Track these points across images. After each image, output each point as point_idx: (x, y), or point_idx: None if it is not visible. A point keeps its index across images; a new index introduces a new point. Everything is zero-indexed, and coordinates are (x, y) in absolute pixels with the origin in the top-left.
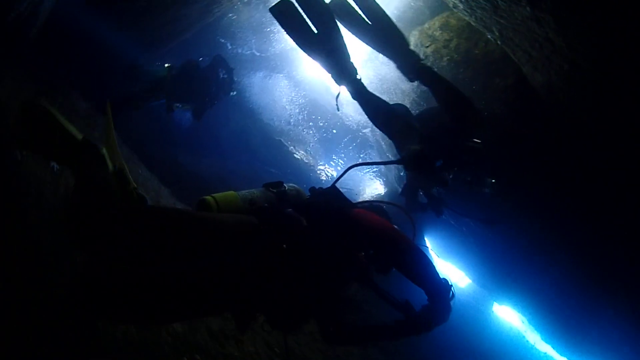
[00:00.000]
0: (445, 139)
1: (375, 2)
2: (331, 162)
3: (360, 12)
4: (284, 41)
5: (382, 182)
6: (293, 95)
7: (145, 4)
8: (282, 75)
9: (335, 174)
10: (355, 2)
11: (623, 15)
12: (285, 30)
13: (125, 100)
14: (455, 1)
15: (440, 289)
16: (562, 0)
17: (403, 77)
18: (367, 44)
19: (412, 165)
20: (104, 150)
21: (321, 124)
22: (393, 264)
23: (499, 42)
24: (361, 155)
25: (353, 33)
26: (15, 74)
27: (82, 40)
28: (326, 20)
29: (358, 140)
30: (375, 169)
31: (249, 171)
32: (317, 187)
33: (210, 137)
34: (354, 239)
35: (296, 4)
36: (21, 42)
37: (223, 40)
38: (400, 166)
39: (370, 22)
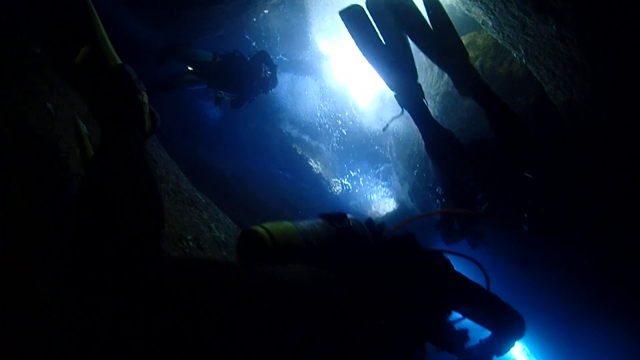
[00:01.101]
0: (495, 172)
1: (441, 6)
2: (345, 175)
3: (423, 15)
4: (311, 49)
5: (394, 199)
6: (314, 103)
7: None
8: (305, 82)
9: (349, 186)
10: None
11: None
12: (352, 36)
13: (161, 84)
14: (485, 18)
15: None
16: (587, 20)
17: None
18: (424, 51)
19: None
20: None
21: (338, 136)
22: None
23: (523, 60)
24: (374, 171)
25: (411, 36)
26: None
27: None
28: (396, 33)
29: (373, 154)
30: (385, 184)
31: (265, 173)
32: (374, 220)
33: (229, 134)
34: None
35: (367, 12)
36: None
37: (252, 41)
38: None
39: (432, 28)
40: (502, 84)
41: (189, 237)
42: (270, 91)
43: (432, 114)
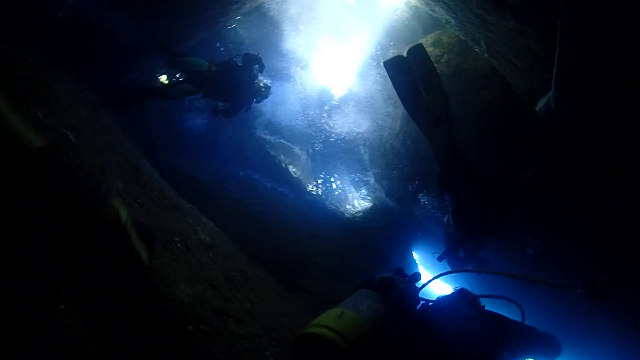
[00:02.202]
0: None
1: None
2: (323, 177)
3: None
4: (286, 59)
5: (372, 197)
6: (290, 108)
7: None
8: (280, 88)
9: (327, 187)
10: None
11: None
12: (394, 86)
13: (156, 92)
14: (448, 17)
15: None
16: (542, 12)
17: (391, 100)
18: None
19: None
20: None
21: (314, 139)
22: None
23: (486, 55)
24: (351, 171)
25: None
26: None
27: (100, 32)
28: (438, 90)
29: (350, 154)
30: (364, 187)
31: (243, 179)
32: (403, 270)
33: (206, 143)
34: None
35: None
36: (47, 21)
37: (224, 50)
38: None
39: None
40: (469, 79)
41: (177, 240)
42: (263, 101)
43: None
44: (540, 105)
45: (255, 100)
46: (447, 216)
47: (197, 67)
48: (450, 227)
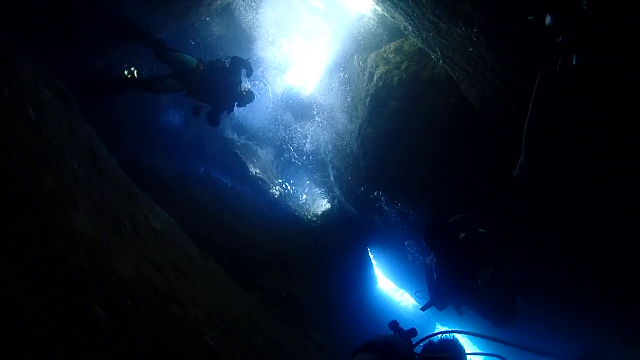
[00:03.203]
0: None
1: None
2: (284, 178)
3: None
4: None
5: (329, 202)
6: (257, 108)
7: None
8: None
9: (288, 188)
10: None
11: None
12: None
13: (139, 84)
14: (406, 24)
15: None
16: (492, 20)
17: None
18: None
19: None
20: None
21: (278, 140)
22: None
23: (441, 62)
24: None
25: None
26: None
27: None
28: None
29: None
30: (324, 190)
31: (204, 176)
32: (398, 324)
33: (170, 137)
34: None
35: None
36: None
37: (195, 45)
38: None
39: None
40: (425, 86)
41: (126, 222)
42: (245, 105)
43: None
44: (516, 172)
45: (237, 104)
46: (430, 257)
47: (185, 64)
48: (432, 273)
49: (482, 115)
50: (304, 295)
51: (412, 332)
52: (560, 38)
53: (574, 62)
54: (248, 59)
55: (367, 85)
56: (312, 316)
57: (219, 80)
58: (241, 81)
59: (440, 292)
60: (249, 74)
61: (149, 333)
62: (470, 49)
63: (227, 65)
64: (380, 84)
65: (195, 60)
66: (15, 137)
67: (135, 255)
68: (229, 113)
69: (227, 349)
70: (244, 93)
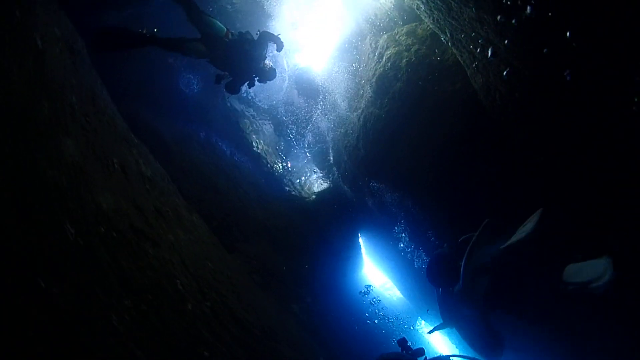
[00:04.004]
0: None
1: None
2: (284, 156)
3: None
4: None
5: (326, 183)
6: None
7: None
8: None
9: (288, 166)
10: None
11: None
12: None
13: (163, 43)
14: (418, 2)
15: None
16: (499, 3)
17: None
18: None
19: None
20: None
21: (284, 120)
22: None
23: (450, 44)
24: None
25: None
26: None
27: None
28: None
29: (313, 142)
30: (322, 171)
31: (205, 141)
32: (406, 342)
33: (175, 99)
34: None
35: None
36: None
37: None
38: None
39: None
40: (433, 71)
41: (115, 161)
42: (265, 82)
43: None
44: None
45: (257, 79)
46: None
47: (215, 30)
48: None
49: (486, 104)
50: (288, 269)
51: (420, 351)
52: None
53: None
54: (279, 35)
55: (375, 65)
56: (293, 289)
57: (245, 52)
58: (266, 57)
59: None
60: (279, 49)
61: (117, 262)
62: (480, 32)
63: (255, 39)
64: (389, 64)
65: (225, 29)
66: (19, 60)
67: (118, 191)
68: (249, 87)
69: (196, 298)
70: (267, 69)
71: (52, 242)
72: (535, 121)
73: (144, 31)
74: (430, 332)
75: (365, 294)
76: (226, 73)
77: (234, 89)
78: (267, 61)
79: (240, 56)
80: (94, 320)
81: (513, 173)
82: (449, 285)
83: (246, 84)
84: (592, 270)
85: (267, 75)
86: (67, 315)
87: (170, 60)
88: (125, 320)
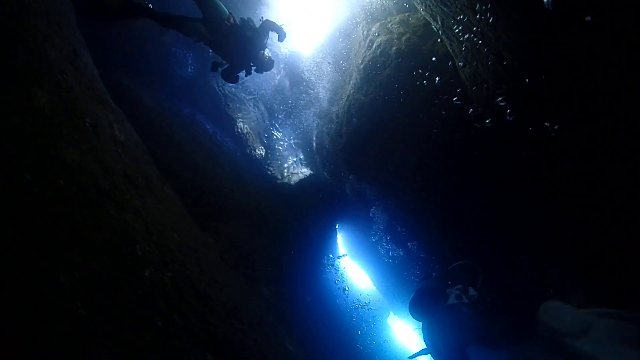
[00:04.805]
0: None
1: None
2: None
3: None
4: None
5: (307, 169)
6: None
7: None
8: None
9: (271, 153)
10: None
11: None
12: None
13: (162, 17)
14: None
15: None
16: None
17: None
18: None
19: None
20: None
21: (271, 103)
22: None
23: (440, 32)
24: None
25: None
26: None
27: None
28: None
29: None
30: (304, 158)
31: (188, 117)
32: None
33: (162, 72)
34: None
35: None
36: None
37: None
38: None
39: None
40: (422, 61)
41: (87, 120)
42: (262, 72)
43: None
44: None
45: (255, 68)
46: None
47: (218, 12)
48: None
49: (472, 96)
50: (260, 251)
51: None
52: None
53: None
54: (282, 25)
55: (365, 52)
56: (264, 272)
57: (245, 39)
58: (266, 46)
59: None
60: (281, 39)
61: (73, 217)
62: (471, 19)
63: (257, 27)
64: (378, 51)
65: (227, 12)
66: (2, 7)
67: (86, 150)
68: (246, 75)
69: (157, 266)
70: (265, 59)
71: (4, 185)
72: (520, 118)
73: (141, 2)
74: (410, 357)
75: (339, 282)
76: (224, 62)
77: (231, 76)
78: (266, 51)
79: (240, 42)
80: (38, 272)
81: (505, 177)
82: (433, 318)
83: (243, 72)
84: (573, 321)
85: (265, 65)
86: (9, 262)
87: (164, 38)
88: (74, 277)
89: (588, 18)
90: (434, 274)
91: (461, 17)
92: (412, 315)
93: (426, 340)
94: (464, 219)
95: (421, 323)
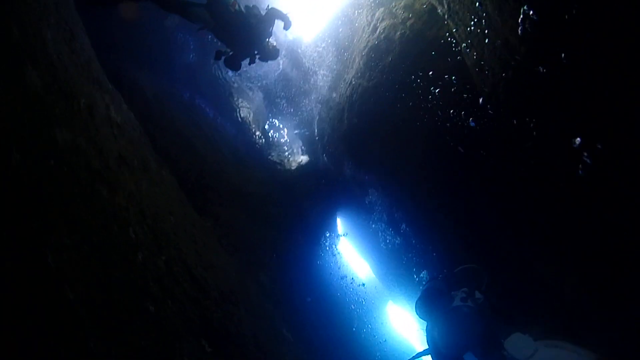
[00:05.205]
0: None
1: None
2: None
3: None
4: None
5: (308, 156)
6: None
7: None
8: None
9: (272, 139)
10: None
11: None
12: None
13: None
14: None
15: None
16: None
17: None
18: None
19: None
20: None
21: (271, 89)
22: None
23: (446, 16)
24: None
25: None
26: None
27: None
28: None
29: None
30: (306, 144)
31: (188, 102)
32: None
33: (162, 56)
34: None
35: None
36: None
37: None
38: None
39: None
40: (426, 47)
41: (82, 100)
42: (267, 61)
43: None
44: None
45: (259, 57)
46: None
47: None
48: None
49: (477, 82)
50: (259, 236)
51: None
52: None
53: None
54: (287, 13)
55: (368, 37)
56: (262, 258)
57: (250, 27)
58: (271, 34)
59: None
60: (286, 27)
61: (62, 198)
62: (477, 4)
63: (262, 14)
64: (382, 36)
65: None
66: None
67: (79, 130)
68: (249, 64)
69: (151, 249)
70: (270, 48)
71: None
72: (525, 106)
73: None
74: (412, 358)
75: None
76: (228, 50)
77: (234, 64)
78: (271, 39)
79: (244, 30)
80: (25, 254)
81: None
82: (437, 318)
83: (246, 60)
84: (525, 348)
85: (269, 54)
86: None
87: (166, 22)
88: (63, 259)
89: None
90: (440, 276)
91: (467, 1)
92: (417, 315)
93: (428, 340)
94: (468, 212)
95: (426, 323)
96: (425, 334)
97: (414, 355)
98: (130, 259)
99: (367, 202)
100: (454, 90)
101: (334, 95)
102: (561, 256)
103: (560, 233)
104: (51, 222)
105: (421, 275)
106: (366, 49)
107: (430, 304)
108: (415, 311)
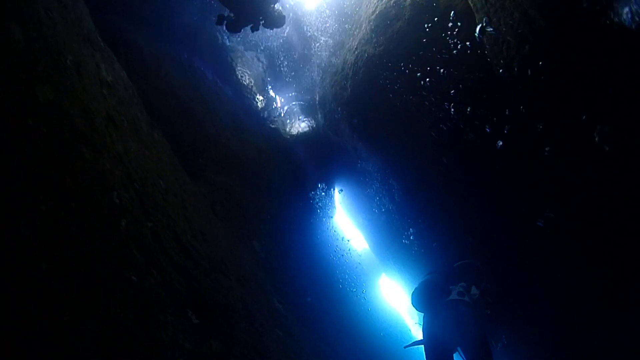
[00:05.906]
0: None
1: None
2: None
3: None
4: None
5: (308, 124)
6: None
7: None
8: None
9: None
10: None
11: None
12: None
13: None
14: None
15: None
16: None
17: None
18: None
19: None
20: None
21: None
22: None
23: None
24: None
25: None
26: None
27: None
28: None
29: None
30: (307, 113)
31: (186, 63)
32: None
33: (160, 16)
34: None
35: None
36: None
37: None
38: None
39: None
40: (438, 15)
41: (69, 58)
42: (271, 28)
43: None
44: None
45: (263, 23)
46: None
47: None
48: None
49: (491, 57)
50: (254, 203)
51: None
52: None
53: None
54: None
55: (377, 2)
56: (256, 225)
57: None
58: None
59: None
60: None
61: (39, 159)
62: None
63: None
64: (392, 2)
65: None
66: None
67: (63, 88)
68: (253, 31)
69: (136, 216)
70: (275, 14)
71: None
72: (543, 84)
73: None
74: (406, 347)
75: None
76: (231, 14)
77: (235, 27)
78: (277, 5)
79: None
80: None
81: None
82: (434, 309)
83: (249, 27)
84: None
85: (274, 21)
86: None
87: None
88: (36, 227)
89: None
90: (439, 270)
91: None
92: (413, 305)
93: (424, 331)
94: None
95: (422, 315)
96: (422, 325)
97: (410, 343)
98: (113, 225)
99: (364, 169)
100: (465, 66)
101: (337, 61)
102: (566, 256)
103: (568, 231)
104: (25, 186)
105: (409, 233)
106: (374, 15)
107: (427, 296)
108: (412, 302)
